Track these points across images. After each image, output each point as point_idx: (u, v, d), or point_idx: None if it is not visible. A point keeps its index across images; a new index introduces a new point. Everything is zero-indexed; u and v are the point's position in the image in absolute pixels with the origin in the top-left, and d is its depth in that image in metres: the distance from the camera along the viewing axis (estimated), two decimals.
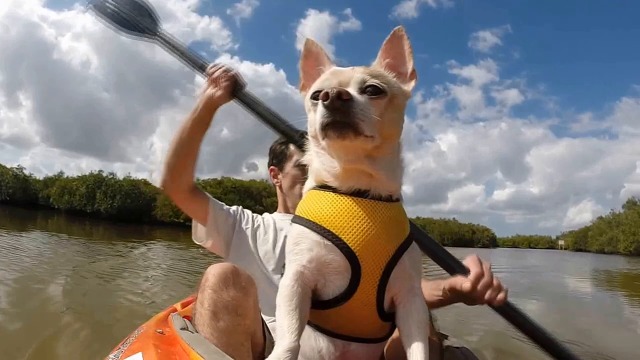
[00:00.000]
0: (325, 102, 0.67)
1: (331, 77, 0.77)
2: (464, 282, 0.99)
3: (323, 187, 0.82)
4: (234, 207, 1.52)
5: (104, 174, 49.58)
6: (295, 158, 1.52)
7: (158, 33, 1.55)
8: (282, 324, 0.74)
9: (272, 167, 1.61)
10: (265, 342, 1.02)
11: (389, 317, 0.84)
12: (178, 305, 1.42)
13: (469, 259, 1.05)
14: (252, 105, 1.36)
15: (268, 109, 1.36)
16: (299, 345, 0.73)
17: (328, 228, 0.77)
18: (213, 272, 0.94)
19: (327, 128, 0.69)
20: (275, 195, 1.65)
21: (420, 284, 0.85)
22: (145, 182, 51.30)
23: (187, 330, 0.94)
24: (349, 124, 0.68)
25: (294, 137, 1.31)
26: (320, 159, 0.81)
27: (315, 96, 0.74)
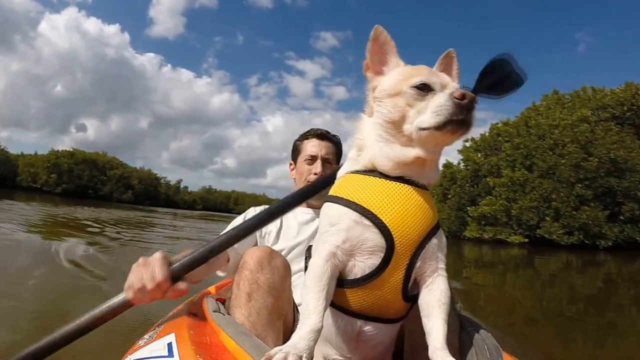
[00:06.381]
0: (462, 101, 0.75)
1: (432, 75, 0.81)
2: None
3: (367, 171, 0.85)
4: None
5: None
6: (303, 154, 1.53)
7: None
8: (308, 303, 0.77)
9: (291, 161, 1.63)
10: (294, 324, 1.06)
11: (411, 298, 0.86)
12: (212, 288, 1.49)
13: None
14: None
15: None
16: (322, 326, 0.75)
17: (368, 208, 0.80)
18: (251, 255, 0.99)
19: (450, 123, 0.75)
20: None
21: (445, 266, 0.86)
22: None
23: (219, 312, 0.98)
24: (468, 122, 0.76)
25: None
26: (388, 145, 0.83)
27: (420, 87, 0.79)
